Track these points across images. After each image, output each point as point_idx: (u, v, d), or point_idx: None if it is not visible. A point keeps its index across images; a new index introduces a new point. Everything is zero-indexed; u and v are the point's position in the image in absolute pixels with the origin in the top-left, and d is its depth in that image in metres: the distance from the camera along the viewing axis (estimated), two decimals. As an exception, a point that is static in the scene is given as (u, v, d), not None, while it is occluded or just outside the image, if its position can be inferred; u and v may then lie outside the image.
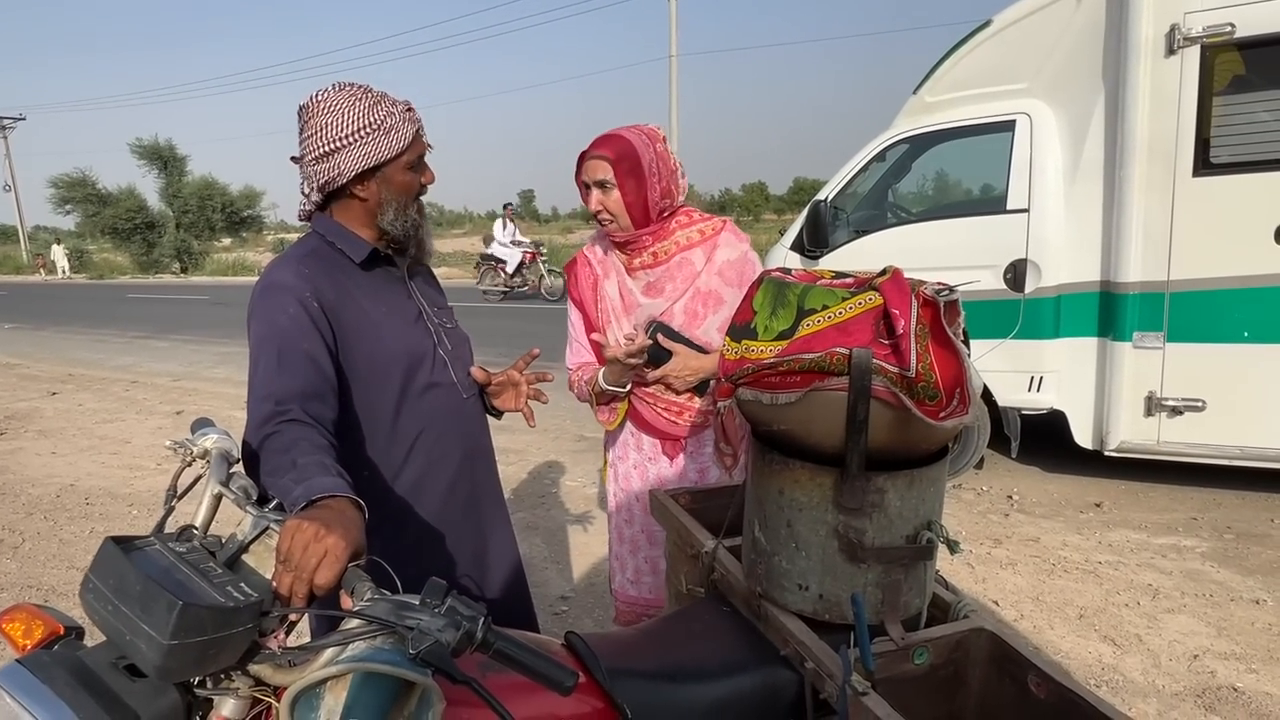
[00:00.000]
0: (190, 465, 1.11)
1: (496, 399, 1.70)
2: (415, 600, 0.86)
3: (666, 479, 1.95)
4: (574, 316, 2.01)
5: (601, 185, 1.80)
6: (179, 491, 1.07)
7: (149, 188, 32.92)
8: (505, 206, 14.85)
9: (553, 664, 0.91)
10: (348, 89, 1.37)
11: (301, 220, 1.49)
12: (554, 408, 6.80)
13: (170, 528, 0.99)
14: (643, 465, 1.98)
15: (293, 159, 1.43)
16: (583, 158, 1.83)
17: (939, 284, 1.15)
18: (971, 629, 1.20)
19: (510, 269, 14.21)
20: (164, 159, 29.95)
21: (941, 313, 1.08)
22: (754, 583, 1.29)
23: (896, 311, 1.07)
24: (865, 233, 4.58)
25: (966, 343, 1.20)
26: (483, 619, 0.87)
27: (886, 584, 1.16)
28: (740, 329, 1.21)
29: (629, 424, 1.98)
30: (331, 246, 1.45)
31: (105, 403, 7.36)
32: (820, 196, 4.60)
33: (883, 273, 1.15)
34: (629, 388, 1.89)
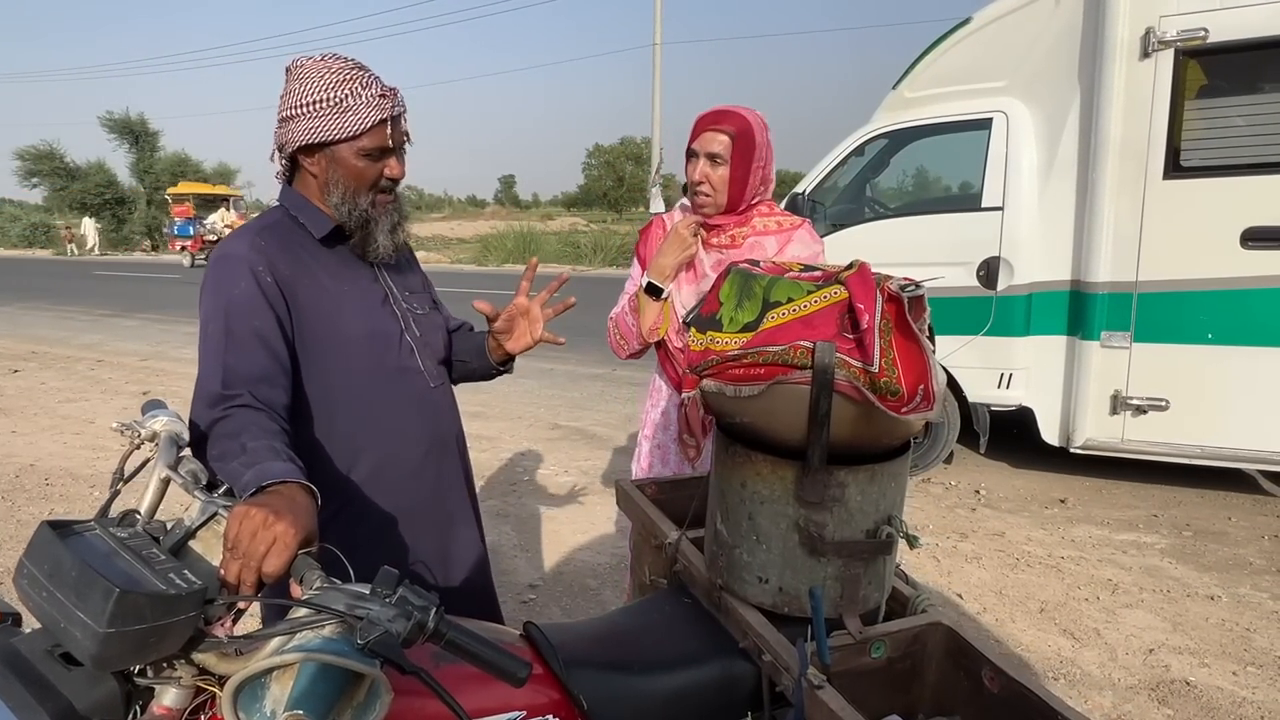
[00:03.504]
0: (139, 448, 1.08)
1: (507, 338, 1.58)
2: (366, 590, 0.84)
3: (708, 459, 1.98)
4: (635, 273, 2.03)
5: (713, 158, 1.80)
6: (126, 475, 1.04)
7: (119, 162, 32.12)
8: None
9: (505, 655, 0.90)
10: (329, 60, 1.33)
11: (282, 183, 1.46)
12: (528, 395, 6.80)
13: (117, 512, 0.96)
14: (666, 445, 1.99)
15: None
16: (700, 127, 1.82)
17: (905, 279, 1.15)
18: (929, 623, 1.21)
19: None
20: (135, 133, 29.32)
21: (906, 308, 1.08)
22: (715, 574, 1.28)
23: (861, 306, 1.06)
24: (842, 226, 4.60)
25: (931, 338, 1.21)
26: (434, 609, 0.85)
27: (846, 578, 1.17)
28: (705, 320, 1.20)
29: (659, 384, 2.01)
30: (294, 220, 1.40)
31: (69, 381, 7.21)
32: (798, 189, 4.61)
33: (849, 267, 1.15)
34: (667, 294, 1.90)
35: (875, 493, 1.14)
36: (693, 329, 1.22)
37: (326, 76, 1.31)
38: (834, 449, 1.10)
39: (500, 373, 1.67)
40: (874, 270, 1.17)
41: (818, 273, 1.20)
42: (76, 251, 28.08)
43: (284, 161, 1.39)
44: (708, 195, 1.84)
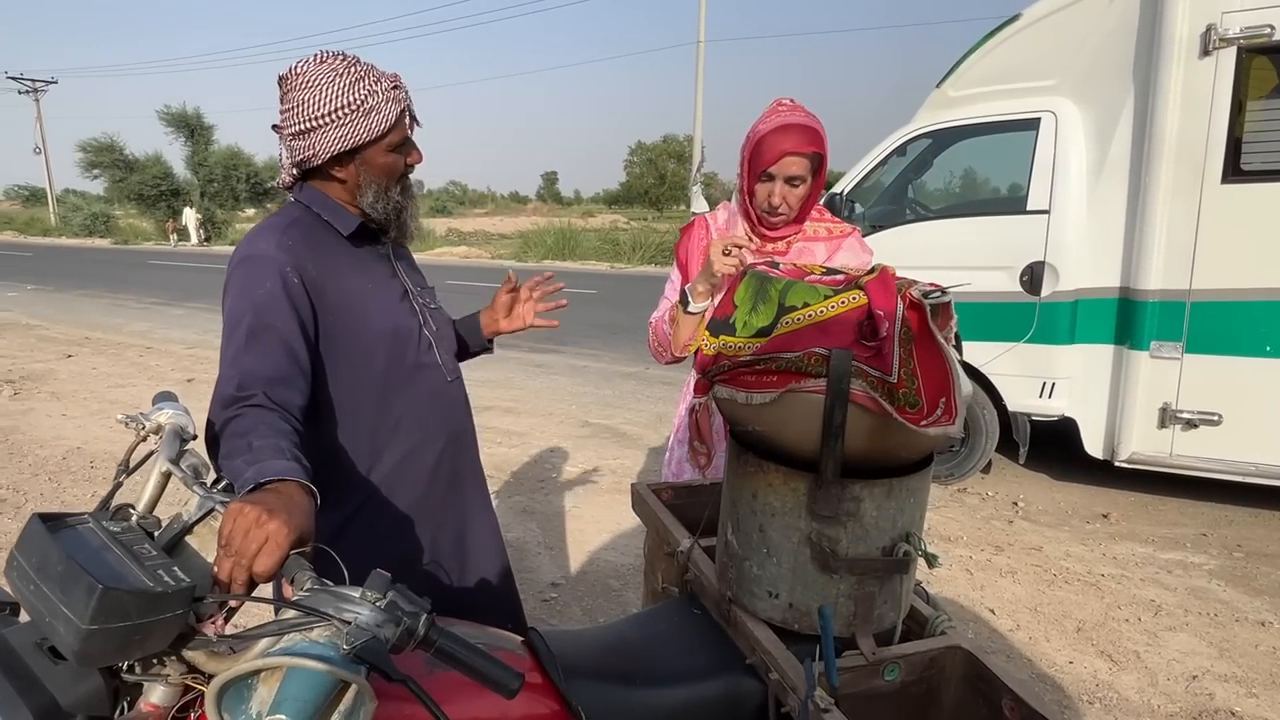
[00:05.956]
0: (145, 440, 1.08)
1: (503, 318, 1.68)
2: (356, 593, 0.83)
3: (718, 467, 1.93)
4: (674, 276, 1.97)
5: (792, 180, 1.72)
6: (130, 467, 1.04)
7: (175, 155, 32.93)
8: None
9: (498, 665, 0.87)
10: (329, 61, 1.31)
11: (284, 189, 1.45)
12: (560, 391, 6.81)
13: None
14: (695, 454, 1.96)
15: (273, 127, 1.37)
16: (776, 148, 1.69)
17: (931, 285, 1.10)
18: (947, 646, 1.15)
19: None
20: (191, 127, 30.07)
21: (929, 316, 1.03)
22: (725, 586, 1.24)
23: (881, 313, 1.01)
24: (881, 227, 4.49)
25: (959, 348, 1.15)
26: (425, 615, 0.83)
27: (859, 596, 1.12)
28: (719, 323, 1.16)
29: (692, 386, 1.93)
30: (317, 218, 1.39)
31: (118, 367, 7.43)
32: (836, 189, 4.52)
33: (871, 271, 1.10)
34: (699, 312, 1.81)
35: (892, 508, 1.09)
36: (706, 332, 1.18)
37: (338, 80, 1.29)
38: (849, 461, 1.06)
39: (482, 352, 1.74)
40: (898, 275, 1.12)
41: (840, 277, 1.15)
42: (177, 241, 27.86)
43: (295, 172, 1.37)
44: (783, 215, 1.78)
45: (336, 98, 1.28)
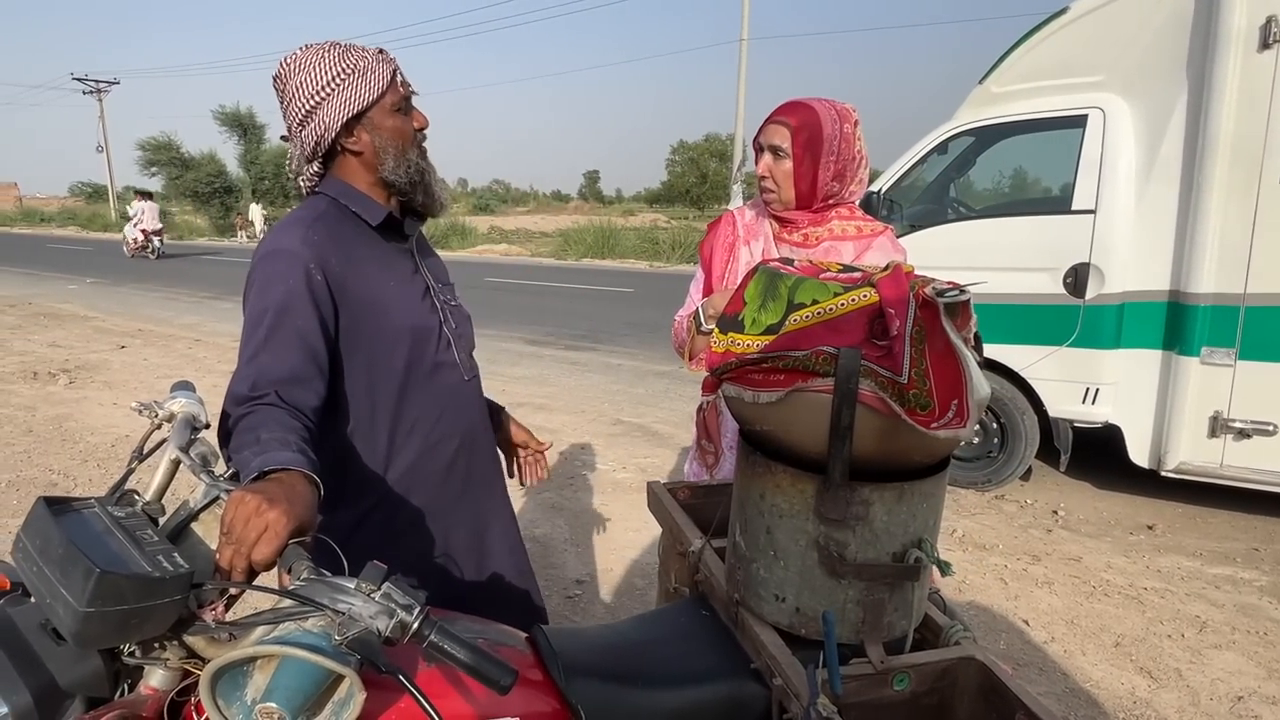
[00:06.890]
0: (159, 428, 1.11)
1: (510, 443, 1.78)
2: (351, 584, 0.83)
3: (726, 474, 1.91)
4: (699, 275, 1.96)
5: (775, 151, 1.74)
6: (144, 454, 1.06)
7: (229, 154, 33.69)
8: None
9: (491, 661, 0.86)
10: (313, 46, 1.34)
11: (308, 192, 1.44)
12: (593, 389, 6.81)
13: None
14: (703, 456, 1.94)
15: (283, 138, 1.39)
16: (767, 119, 1.78)
17: (948, 284, 1.06)
18: (961, 657, 1.11)
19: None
20: (244, 126, 30.86)
21: (942, 315, 0.99)
22: (733, 589, 1.22)
23: (892, 311, 0.98)
24: (920, 227, 4.40)
25: (979, 349, 1.11)
26: (419, 608, 0.83)
27: (869, 602, 1.09)
28: (729, 320, 1.14)
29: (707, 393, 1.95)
30: (344, 210, 1.39)
31: (168, 359, 7.67)
32: (873, 187, 4.44)
33: (885, 269, 1.07)
34: (709, 330, 1.82)
35: (904, 513, 1.06)
36: (715, 329, 1.16)
37: (326, 56, 1.32)
38: (859, 464, 1.03)
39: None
40: (915, 273, 1.09)
41: (856, 274, 1.12)
42: (246, 238, 28.31)
43: (319, 164, 1.38)
44: (771, 191, 1.77)
45: (329, 70, 1.31)
